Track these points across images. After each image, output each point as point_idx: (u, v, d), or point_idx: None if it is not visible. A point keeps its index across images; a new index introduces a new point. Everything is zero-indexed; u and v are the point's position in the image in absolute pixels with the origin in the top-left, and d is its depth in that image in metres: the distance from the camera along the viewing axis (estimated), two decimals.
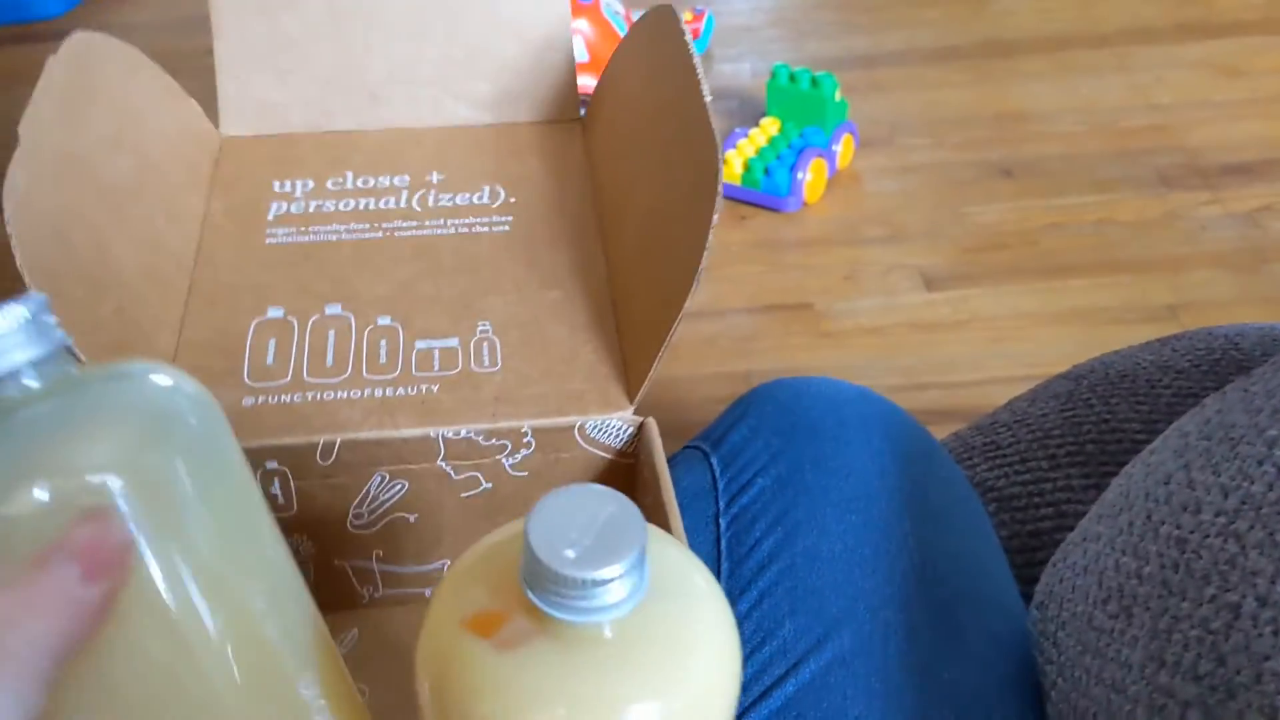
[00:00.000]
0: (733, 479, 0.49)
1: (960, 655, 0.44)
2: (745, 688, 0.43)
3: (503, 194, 0.52)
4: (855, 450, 0.49)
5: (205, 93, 0.58)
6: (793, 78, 1.33)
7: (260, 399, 0.43)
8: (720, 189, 0.40)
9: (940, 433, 0.73)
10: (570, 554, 0.27)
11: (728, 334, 1.20)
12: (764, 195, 1.30)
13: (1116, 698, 0.37)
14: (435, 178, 0.53)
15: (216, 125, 0.55)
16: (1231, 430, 0.39)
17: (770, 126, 1.35)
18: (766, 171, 1.29)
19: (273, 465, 0.41)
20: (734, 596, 0.45)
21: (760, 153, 1.31)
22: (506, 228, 0.51)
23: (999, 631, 0.46)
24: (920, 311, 1.21)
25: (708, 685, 0.30)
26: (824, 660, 0.43)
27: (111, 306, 0.43)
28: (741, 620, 0.45)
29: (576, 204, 0.52)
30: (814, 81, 1.32)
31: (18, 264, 0.38)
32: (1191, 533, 0.37)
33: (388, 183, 0.53)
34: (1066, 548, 0.45)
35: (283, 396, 0.43)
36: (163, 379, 0.29)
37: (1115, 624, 0.39)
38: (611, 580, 0.27)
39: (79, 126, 0.44)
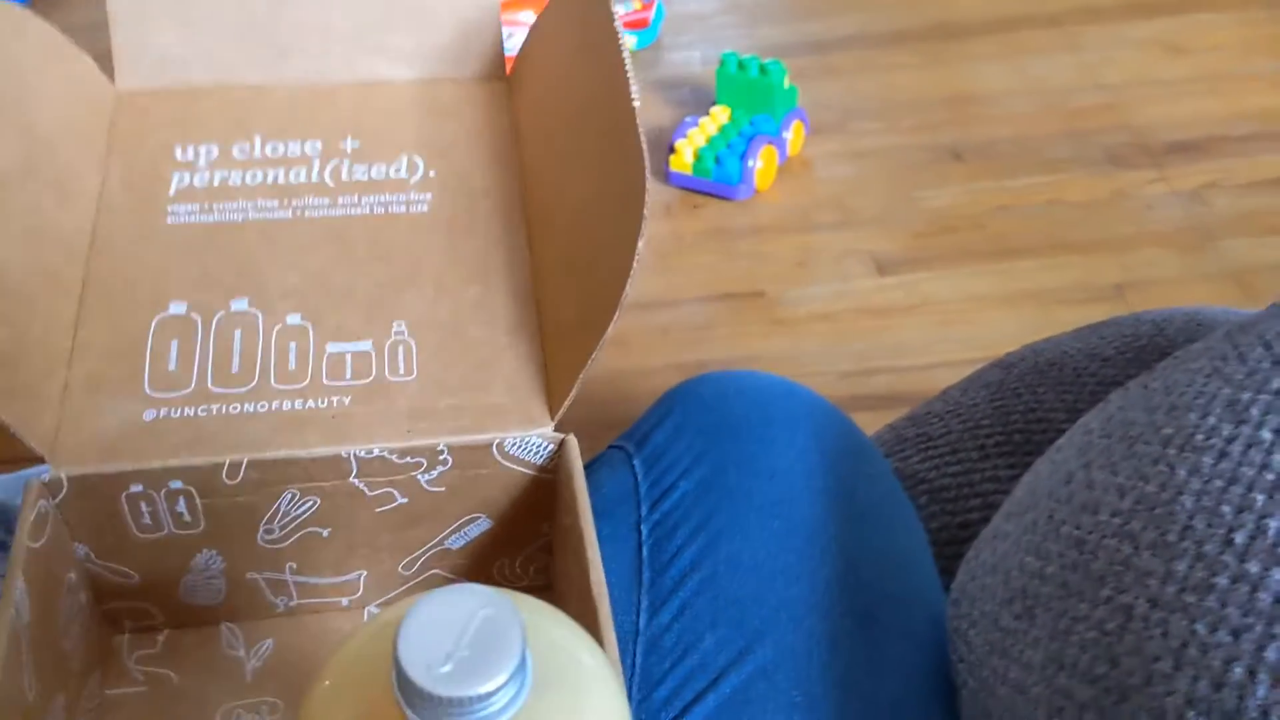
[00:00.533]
0: (655, 483, 0.49)
1: (881, 663, 0.44)
2: (667, 702, 0.43)
3: (421, 166, 0.50)
4: (780, 450, 0.49)
5: None
6: (741, 65, 1.33)
7: (162, 412, 0.42)
8: (646, 207, 0.38)
9: (890, 417, 0.74)
10: (446, 669, 0.26)
11: (680, 323, 1.20)
12: (715, 184, 1.30)
13: (1020, 699, 0.38)
14: (349, 145, 0.50)
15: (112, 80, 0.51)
16: (1130, 428, 0.40)
17: (720, 115, 1.35)
18: (717, 160, 1.29)
19: (177, 485, 0.41)
20: (655, 607, 0.45)
21: (711, 141, 1.31)
22: (425, 208, 0.48)
23: (920, 633, 0.46)
24: (872, 296, 1.21)
25: None
26: (745, 673, 0.43)
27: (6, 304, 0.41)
28: (663, 632, 0.45)
29: (500, 184, 0.50)
30: (763, 69, 1.32)
31: None
32: (1090, 533, 0.38)
33: (298, 150, 0.50)
34: (978, 545, 0.46)
35: (186, 410, 0.42)
36: None
37: (1019, 624, 0.39)
38: (493, 692, 0.26)
39: None
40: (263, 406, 0.43)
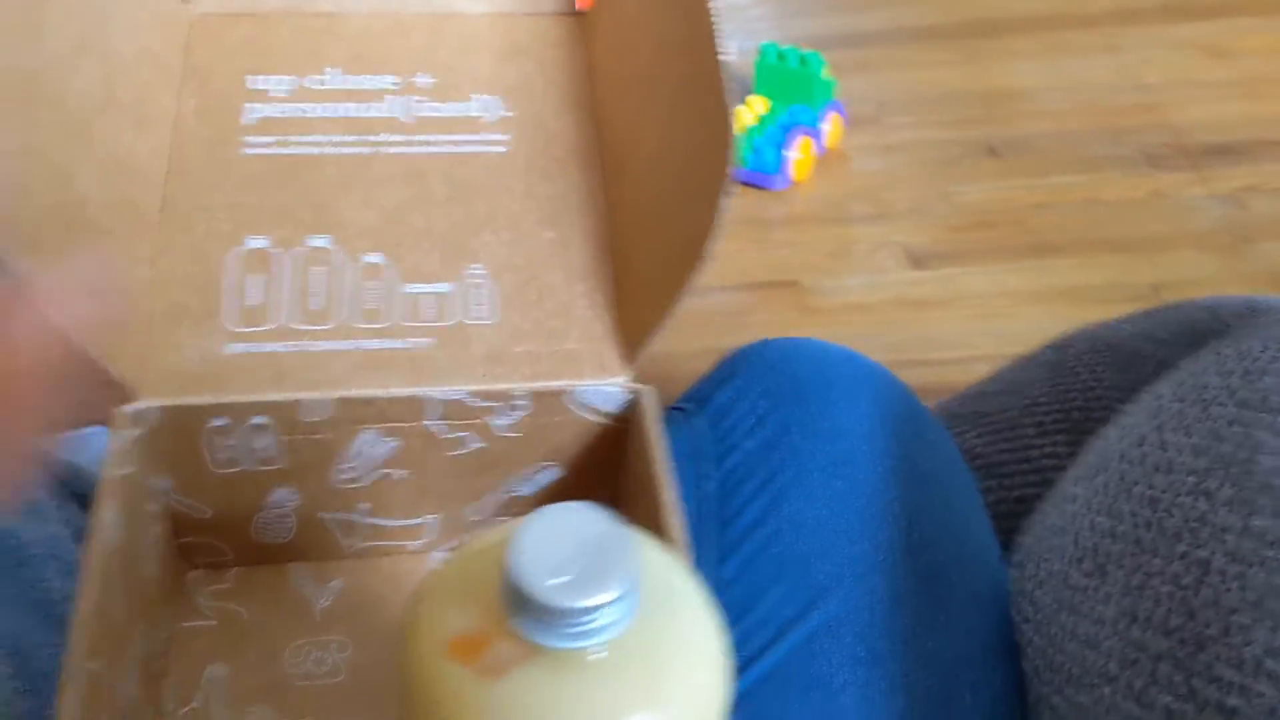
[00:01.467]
0: (719, 440, 0.50)
1: (944, 622, 0.45)
2: (731, 653, 0.43)
3: (498, 107, 0.49)
4: (843, 412, 0.49)
5: None
6: (781, 56, 1.33)
7: (245, 347, 0.42)
8: (734, 155, 0.38)
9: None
10: (558, 581, 0.26)
11: (714, 311, 1.20)
12: (751, 173, 1.31)
13: (1090, 653, 0.38)
14: (424, 81, 0.50)
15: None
16: (1204, 392, 0.40)
17: (758, 104, 1.35)
18: (754, 149, 1.30)
19: (258, 420, 0.41)
20: (720, 562, 0.46)
21: (748, 131, 1.32)
22: (502, 149, 0.48)
23: (982, 594, 0.47)
24: (907, 289, 1.21)
25: (699, 697, 0.29)
26: (809, 628, 0.43)
27: (84, 243, 0.40)
28: (727, 586, 0.45)
29: (575, 127, 0.49)
30: (802, 60, 1.32)
31: None
32: (1164, 492, 0.38)
33: (373, 84, 0.49)
34: (1044, 508, 0.46)
35: (268, 345, 0.42)
36: None
37: (1090, 582, 0.40)
38: (603, 606, 0.26)
39: (36, 38, 0.40)
40: (343, 345, 0.43)
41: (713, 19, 0.40)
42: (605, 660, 0.28)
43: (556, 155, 0.49)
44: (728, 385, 0.52)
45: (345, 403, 0.42)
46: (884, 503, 0.47)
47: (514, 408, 0.43)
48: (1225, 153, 1.35)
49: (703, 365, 0.57)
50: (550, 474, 0.46)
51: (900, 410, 0.51)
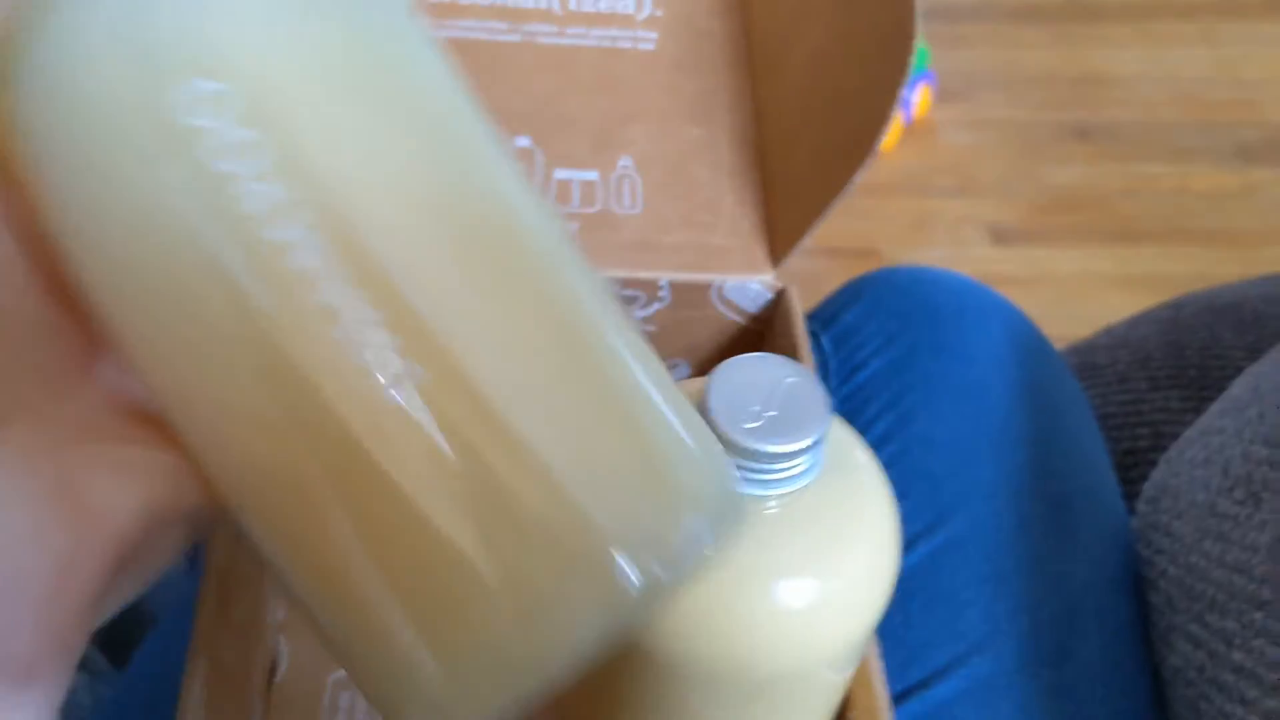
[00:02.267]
0: (846, 359, 0.49)
1: (1071, 549, 0.44)
2: None
3: (648, 5, 0.49)
4: (974, 338, 0.49)
5: None
6: None
7: None
8: (911, 53, 0.37)
9: None
10: (751, 425, 0.26)
11: (790, 274, 1.19)
12: None
13: (1240, 579, 0.37)
14: None
15: None
16: None
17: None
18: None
19: None
20: None
21: None
22: (651, 45, 0.48)
23: (1106, 526, 0.46)
24: (988, 266, 1.20)
25: (870, 565, 0.29)
26: (936, 543, 0.43)
27: None
28: None
29: (724, 27, 0.49)
30: None
31: None
32: None
33: None
34: (1181, 445, 0.45)
35: None
36: None
37: (1242, 510, 0.39)
38: (796, 455, 0.26)
39: None
40: None
41: None
42: (784, 513, 0.27)
43: (705, 54, 0.48)
44: (854, 306, 0.51)
45: None
46: (1014, 430, 0.46)
47: (657, 298, 0.43)
48: None
49: None
50: (681, 372, 0.46)
51: (1029, 342, 0.51)
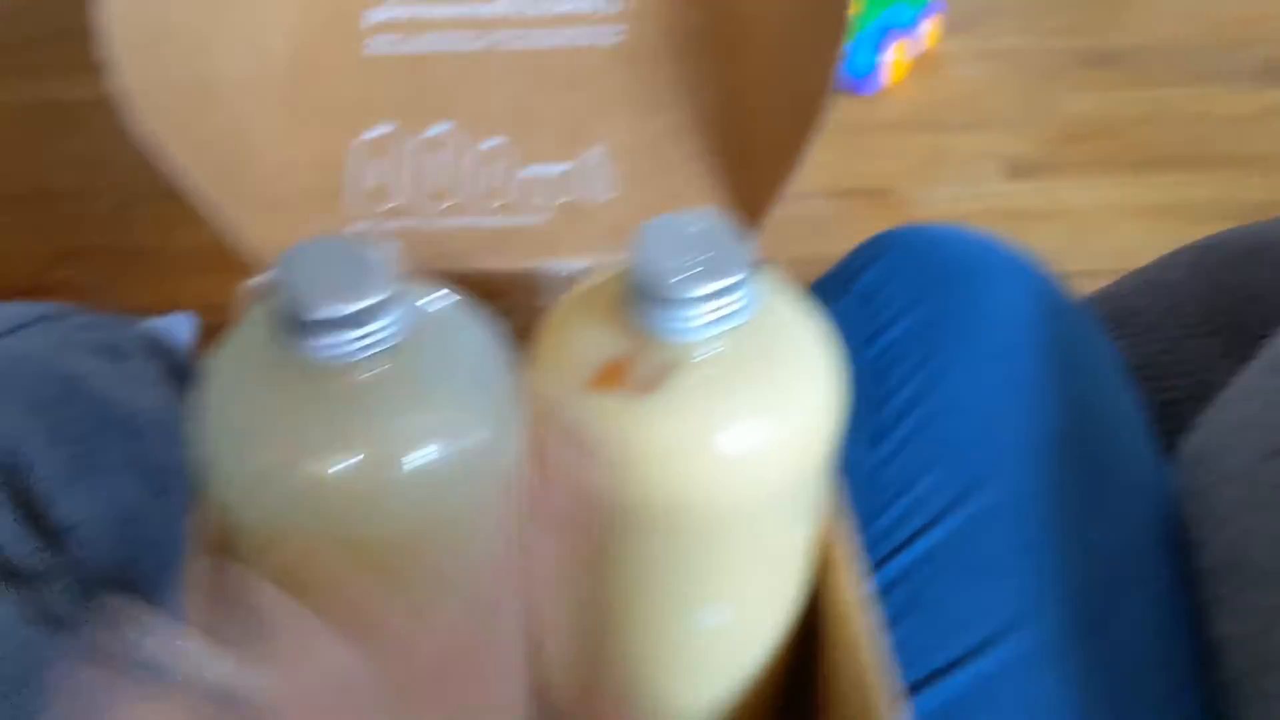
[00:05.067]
0: (869, 320, 0.47)
1: (1109, 514, 0.42)
2: (886, 534, 0.41)
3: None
4: (1001, 298, 0.47)
5: None
6: None
7: (367, 225, 0.42)
8: (845, 24, 0.37)
9: None
10: (683, 276, 0.27)
11: (801, 218, 1.16)
12: (843, 76, 1.26)
13: None
14: None
15: None
16: None
17: (853, 4, 1.30)
18: (847, 51, 1.25)
19: None
20: (874, 441, 0.44)
21: None
22: (618, 38, 0.48)
23: (1146, 490, 0.44)
24: (1005, 200, 1.17)
25: (812, 399, 0.30)
26: (967, 513, 0.41)
27: (216, 121, 0.41)
28: (881, 466, 0.43)
29: (693, 15, 0.49)
30: None
31: (118, 79, 0.36)
32: None
33: None
34: (1223, 404, 0.43)
35: (389, 223, 0.42)
36: None
37: None
38: (729, 292, 0.27)
39: None
40: (466, 221, 0.43)
41: None
42: (722, 358, 0.28)
43: (674, 42, 0.48)
44: (875, 266, 0.49)
45: (465, 278, 0.41)
46: (1047, 393, 0.44)
47: None
48: None
49: (794, 273, 0.54)
50: None
51: (1058, 301, 0.49)
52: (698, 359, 0.28)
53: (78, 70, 1.30)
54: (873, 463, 0.43)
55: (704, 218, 0.28)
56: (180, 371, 0.72)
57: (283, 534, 0.28)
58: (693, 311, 0.27)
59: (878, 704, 0.30)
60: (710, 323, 0.27)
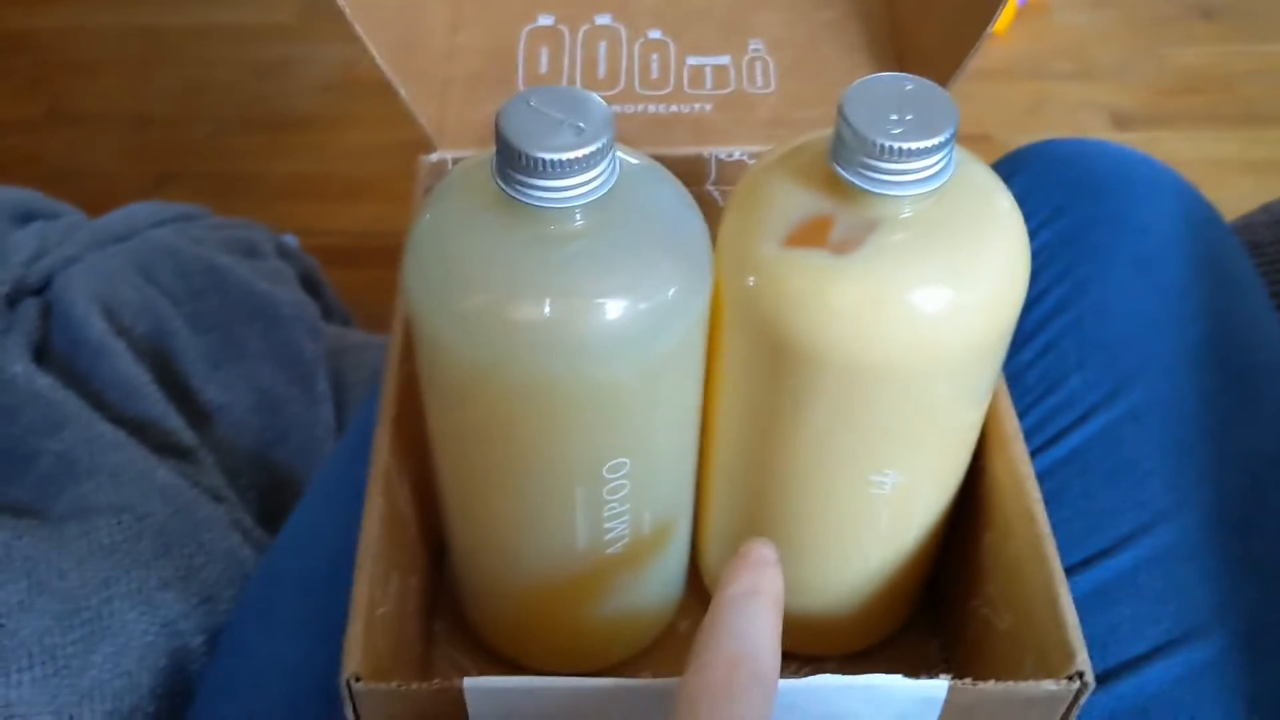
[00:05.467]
0: None
1: (1255, 421, 0.43)
2: (1032, 432, 0.42)
3: None
4: (1146, 209, 0.47)
5: None
6: None
7: None
8: None
9: None
10: (892, 130, 0.27)
11: None
12: None
13: None
14: None
15: None
16: None
17: None
18: None
19: None
20: (1018, 345, 0.45)
21: None
22: None
23: None
24: None
25: (1000, 269, 0.30)
26: (1115, 414, 0.42)
27: (395, 3, 0.42)
28: (1025, 369, 0.44)
29: None
30: None
31: None
32: None
33: None
34: None
35: None
36: None
37: None
38: (935, 151, 0.27)
39: None
40: (629, 108, 0.44)
41: None
42: (917, 219, 0.29)
43: None
44: (1017, 178, 0.50)
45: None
46: (1193, 303, 0.45)
47: None
48: None
49: None
50: None
51: (1202, 214, 0.49)
52: (898, 218, 0.29)
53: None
54: (1017, 366, 0.44)
55: (907, 78, 0.29)
56: (308, 278, 0.74)
57: (487, 375, 0.29)
58: (898, 169, 0.27)
59: (1048, 576, 0.31)
60: (913, 181, 0.28)
